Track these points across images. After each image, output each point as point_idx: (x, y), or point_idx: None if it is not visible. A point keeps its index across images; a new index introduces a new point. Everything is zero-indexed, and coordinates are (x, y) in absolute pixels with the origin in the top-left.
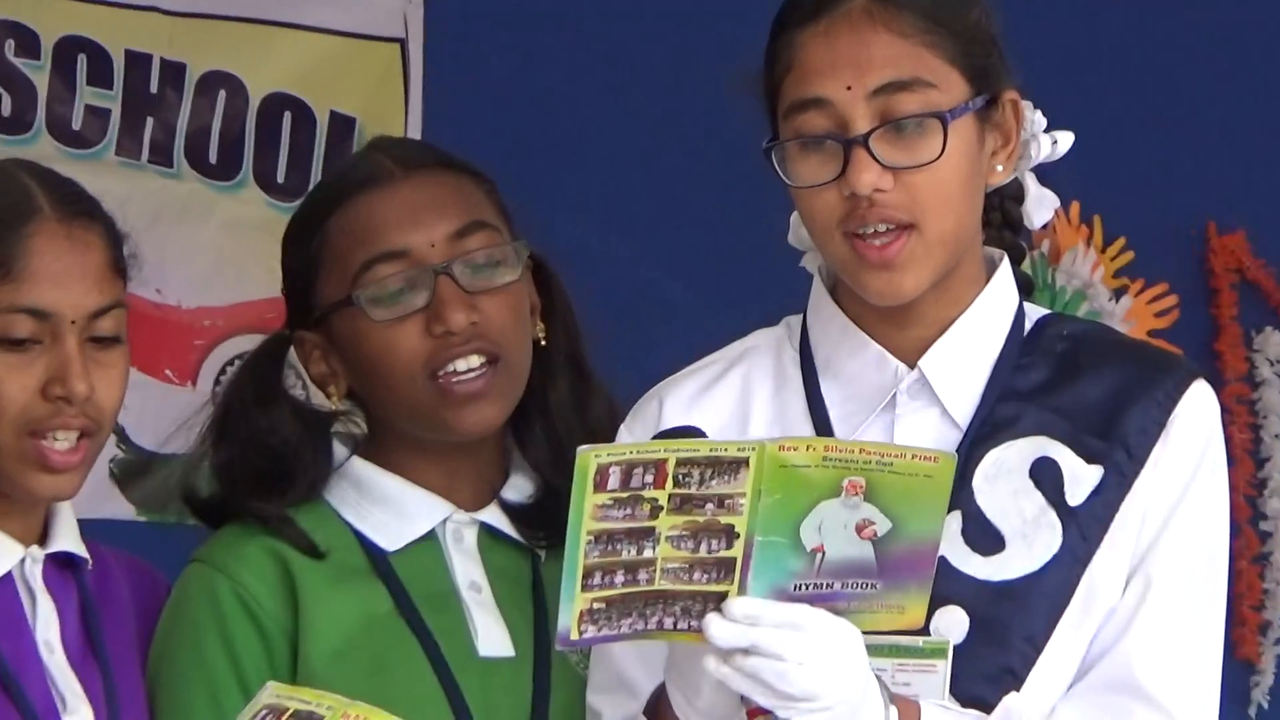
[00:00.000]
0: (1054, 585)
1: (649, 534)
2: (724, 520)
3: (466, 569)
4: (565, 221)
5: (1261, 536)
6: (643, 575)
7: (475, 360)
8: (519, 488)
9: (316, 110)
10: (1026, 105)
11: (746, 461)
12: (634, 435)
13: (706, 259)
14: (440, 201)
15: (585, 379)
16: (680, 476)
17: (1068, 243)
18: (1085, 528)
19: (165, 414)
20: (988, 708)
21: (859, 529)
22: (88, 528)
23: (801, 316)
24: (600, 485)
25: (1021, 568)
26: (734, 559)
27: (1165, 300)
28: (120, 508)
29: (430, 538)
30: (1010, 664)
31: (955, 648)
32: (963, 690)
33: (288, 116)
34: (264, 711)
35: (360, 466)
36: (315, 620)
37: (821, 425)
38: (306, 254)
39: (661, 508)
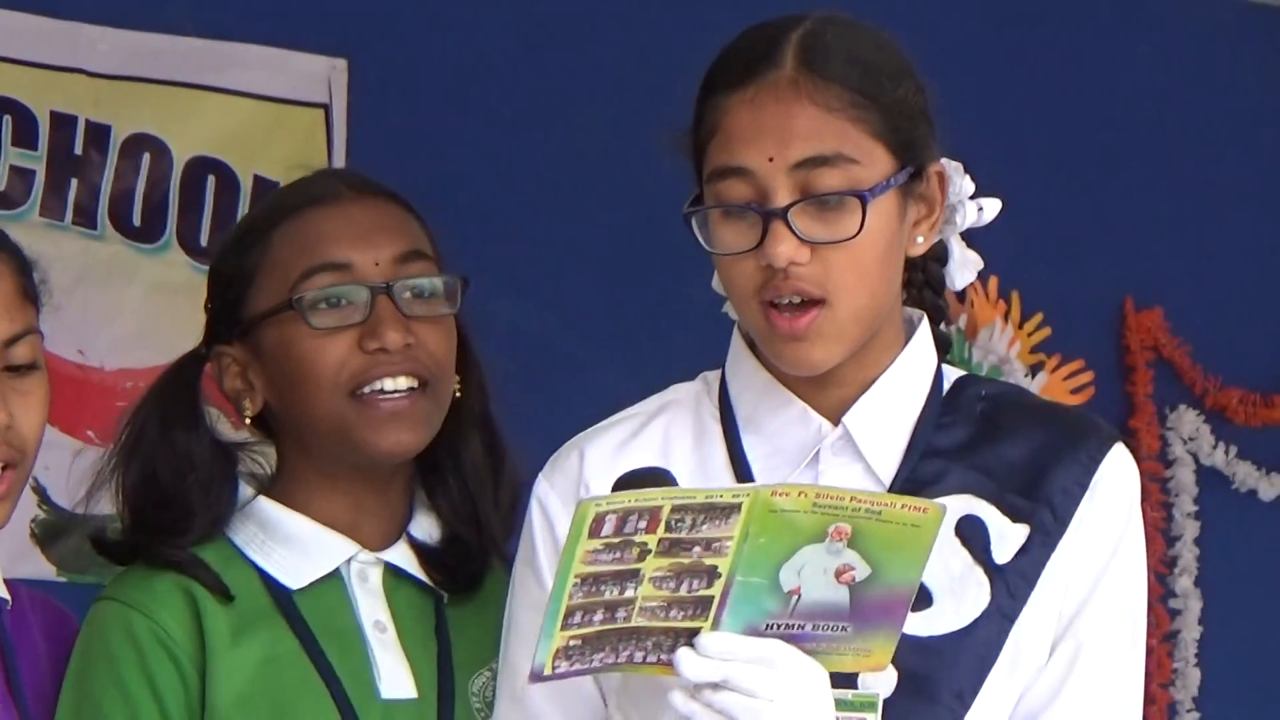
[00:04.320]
0: (982, 642)
1: (634, 575)
2: (709, 561)
3: (371, 608)
4: (477, 283)
5: (1171, 614)
6: (621, 613)
7: (404, 382)
8: (425, 529)
9: (240, 174)
10: (956, 169)
11: (739, 507)
12: (554, 486)
13: (612, 319)
14: (387, 225)
15: (496, 437)
16: (673, 522)
17: (985, 318)
18: (1013, 586)
19: (87, 474)
20: None
21: (838, 573)
22: (8, 587)
23: (720, 372)
24: (595, 532)
25: (950, 624)
26: (711, 597)
27: (1081, 377)
28: (41, 567)
29: (335, 576)
30: (938, 717)
31: (884, 701)
32: None
33: (211, 180)
34: None
35: (266, 505)
36: (221, 662)
37: (744, 478)
38: (243, 264)
39: (650, 551)
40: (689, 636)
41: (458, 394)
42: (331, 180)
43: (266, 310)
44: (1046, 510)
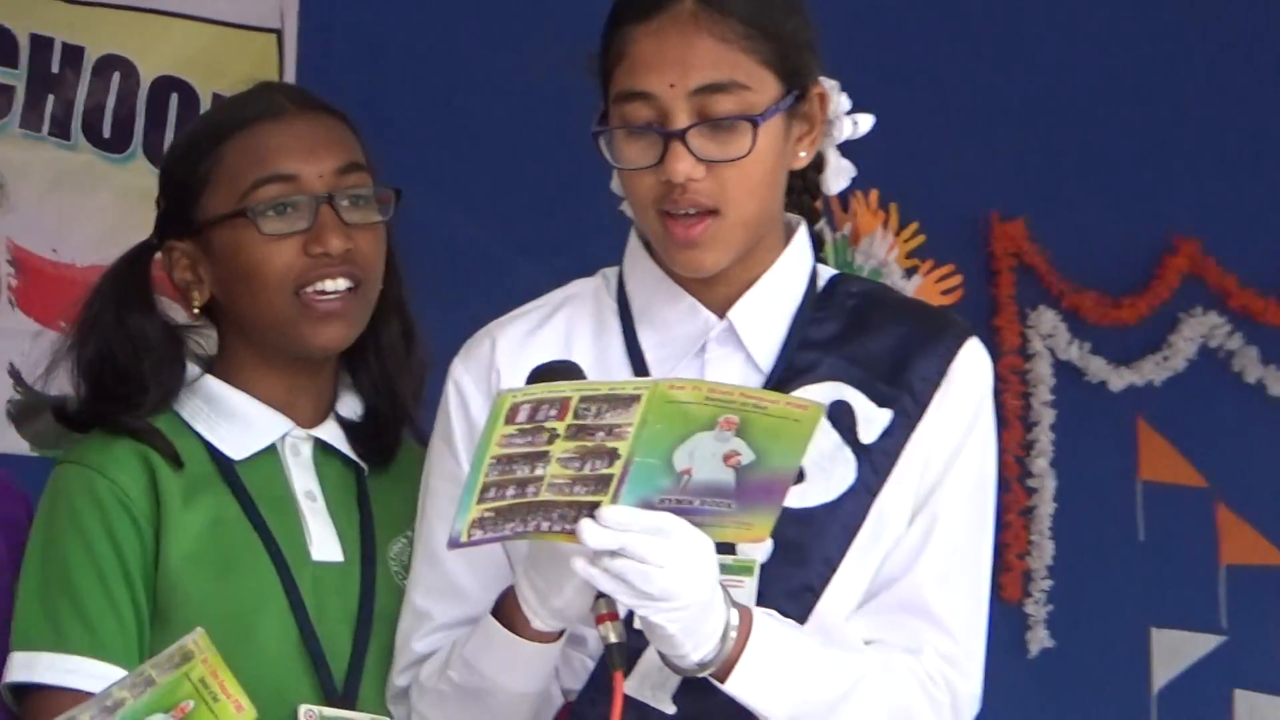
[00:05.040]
0: (848, 513)
1: (544, 456)
2: (610, 445)
3: (303, 479)
4: (411, 191)
5: (1028, 492)
6: (530, 489)
7: (342, 283)
8: (350, 407)
9: (201, 92)
10: (833, 87)
11: (639, 397)
12: (468, 370)
13: (527, 221)
14: (328, 139)
15: (409, 322)
16: (580, 410)
17: (867, 227)
18: (876, 463)
19: (46, 352)
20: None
21: (726, 458)
22: None
23: (618, 269)
24: (511, 419)
25: (820, 497)
26: (612, 475)
27: (951, 280)
28: (15, 443)
29: (271, 450)
30: (809, 582)
31: (761, 566)
32: (767, 603)
33: (175, 97)
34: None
35: (211, 383)
36: (173, 522)
37: (639, 367)
38: (196, 171)
39: (558, 435)
40: (591, 509)
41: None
42: (278, 96)
43: (219, 215)
44: (908, 396)
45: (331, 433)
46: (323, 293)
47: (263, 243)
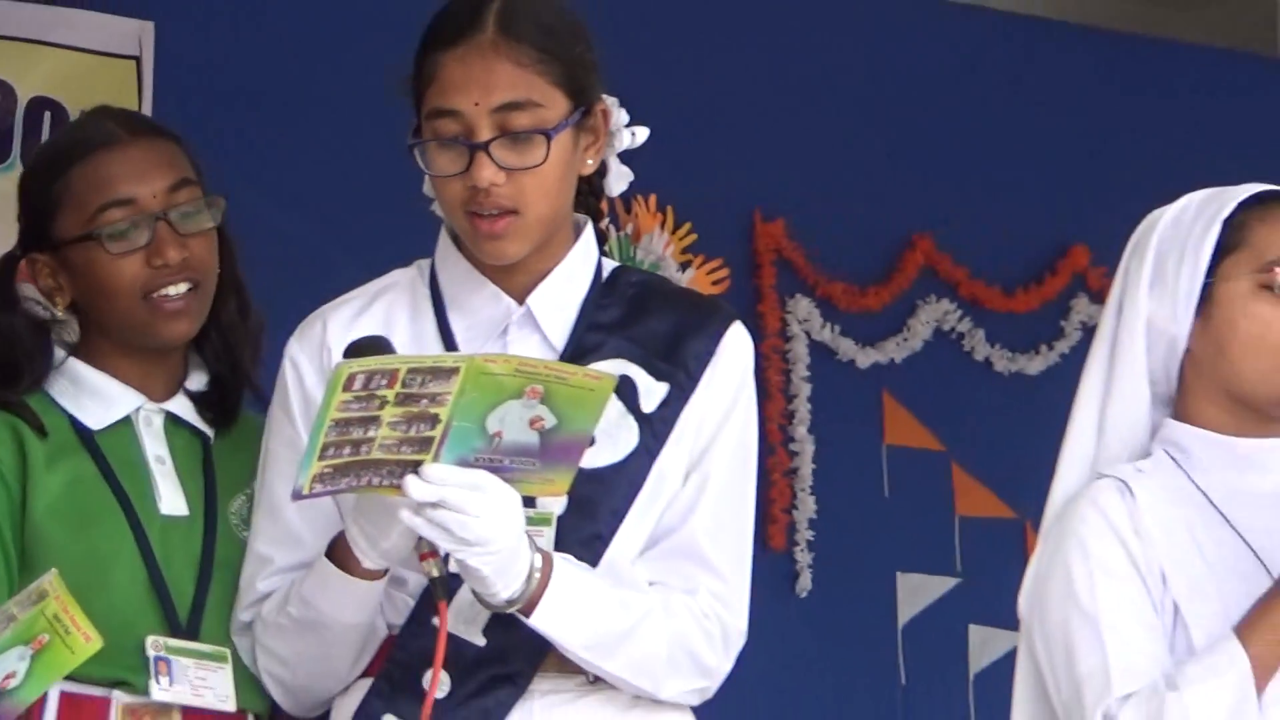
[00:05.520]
0: (632, 472)
1: (375, 420)
2: (432, 410)
3: (154, 446)
4: (251, 196)
5: (790, 455)
6: (364, 448)
7: (183, 286)
8: (197, 380)
9: (70, 110)
10: (614, 103)
11: (459, 370)
12: (303, 348)
13: (349, 218)
14: (159, 161)
15: (245, 299)
16: (408, 380)
17: (646, 226)
18: (655, 429)
19: None
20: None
21: (532, 422)
22: None
23: (430, 261)
24: (348, 387)
25: (607, 459)
26: (433, 437)
27: (720, 272)
28: None
29: (126, 421)
30: (599, 531)
31: (558, 518)
32: (563, 550)
33: (48, 114)
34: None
35: (75, 364)
36: (38, 481)
37: (450, 347)
38: (48, 194)
39: (389, 402)
40: (415, 467)
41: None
42: (111, 124)
43: (72, 238)
44: (682, 372)
45: (181, 406)
46: (167, 296)
47: (111, 260)
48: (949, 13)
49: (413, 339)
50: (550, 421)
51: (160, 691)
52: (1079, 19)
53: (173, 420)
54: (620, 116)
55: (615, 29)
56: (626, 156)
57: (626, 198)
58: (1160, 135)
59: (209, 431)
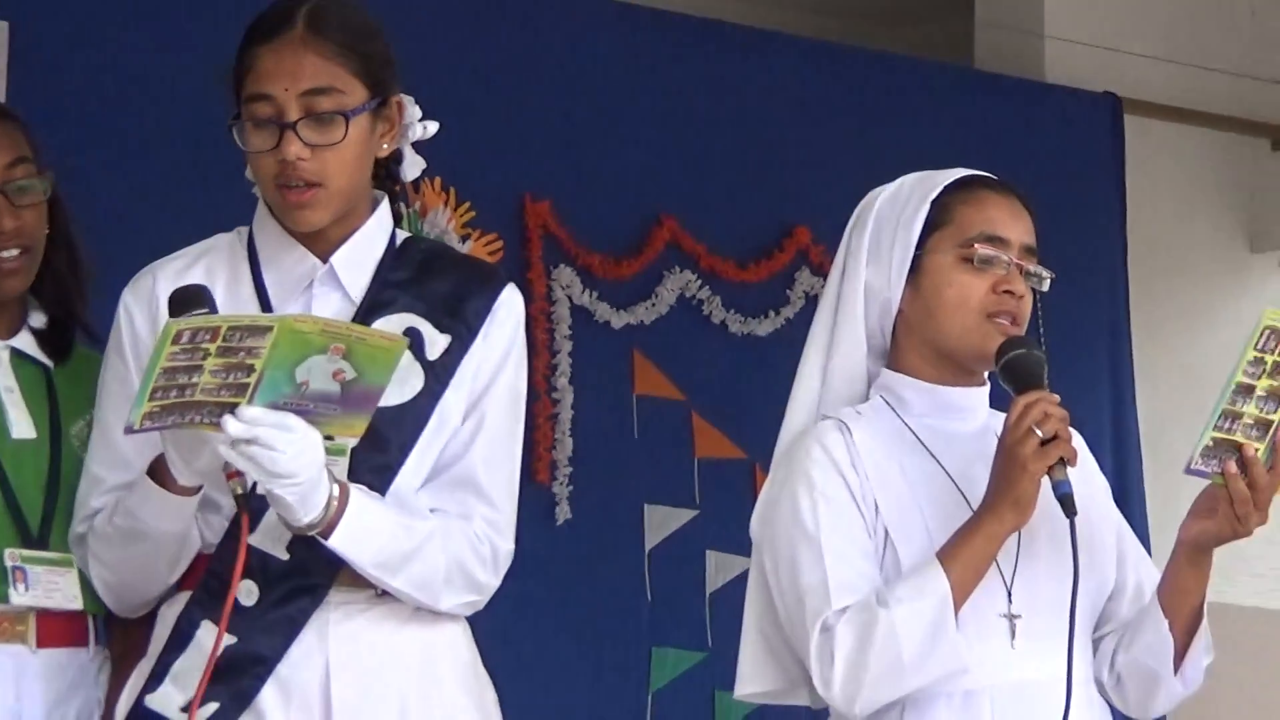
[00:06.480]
0: (417, 411)
1: (199, 368)
2: (249, 361)
3: (3, 378)
4: (94, 170)
5: (553, 402)
6: (189, 392)
7: (15, 251)
8: (38, 320)
9: None
10: (410, 100)
11: (272, 328)
12: (135, 299)
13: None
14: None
15: (76, 256)
16: (228, 335)
17: (432, 204)
18: (438, 375)
19: None
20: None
21: (334, 374)
22: None
23: (248, 228)
24: (176, 341)
25: (397, 399)
26: (249, 384)
27: (495, 245)
28: None
29: None
30: (388, 462)
31: (352, 450)
32: (356, 479)
33: None
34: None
35: None
36: None
37: (263, 299)
38: None
39: (210, 354)
40: (232, 409)
41: (47, 232)
42: None
43: None
44: (463, 325)
45: (25, 341)
46: (2, 259)
47: None
48: (679, 22)
49: (231, 295)
50: (350, 374)
51: (18, 597)
52: (802, 32)
53: (17, 355)
54: (414, 111)
55: (409, 35)
56: (418, 146)
57: (416, 180)
58: (871, 134)
59: (49, 363)
